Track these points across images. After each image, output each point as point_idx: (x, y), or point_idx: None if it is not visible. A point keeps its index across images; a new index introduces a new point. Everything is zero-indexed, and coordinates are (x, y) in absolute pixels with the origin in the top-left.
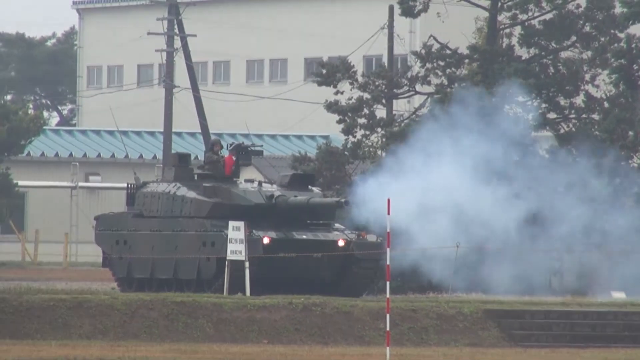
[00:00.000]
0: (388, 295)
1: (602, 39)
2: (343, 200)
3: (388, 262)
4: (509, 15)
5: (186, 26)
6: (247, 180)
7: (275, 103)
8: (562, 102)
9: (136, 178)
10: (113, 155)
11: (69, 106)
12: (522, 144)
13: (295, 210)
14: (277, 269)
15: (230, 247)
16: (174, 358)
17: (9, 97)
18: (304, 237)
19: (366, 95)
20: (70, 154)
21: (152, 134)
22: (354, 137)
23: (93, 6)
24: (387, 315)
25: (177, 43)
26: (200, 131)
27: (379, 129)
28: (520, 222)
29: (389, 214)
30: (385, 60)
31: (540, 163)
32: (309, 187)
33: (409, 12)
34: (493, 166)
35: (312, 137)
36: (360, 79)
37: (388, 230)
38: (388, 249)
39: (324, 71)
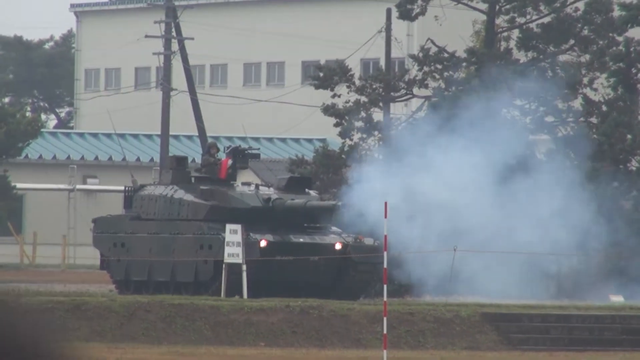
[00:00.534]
0: (385, 298)
1: (601, 42)
2: (340, 203)
3: (385, 265)
4: (506, 19)
5: (184, 29)
6: (244, 183)
7: (273, 106)
8: (560, 105)
9: (134, 181)
10: (110, 158)
11: (67, 109)
12: (519, 148)
13: (292, 214)
14: (274, 272)
15: (228, 250)
16: None
17: (6, 99)
18: (301, 240)
19: (363, 99)
20: (68, 157)
21: (149, 136)
22: (351, 140)
23: (91, 9)
24: (384, 319)
25: (175, 46)
26: (197, 134)
27: (376, 132)
28: (517, 225)
29: (385, 217)
30: (382, 63)
31: (538, 166)
32: (306, 190)
33: (406, 15)
34: (490, 169)
35: (309, 140)
36: (357, 82)
37: (385, 233)
38: (385, 252)
39: (321, 74)
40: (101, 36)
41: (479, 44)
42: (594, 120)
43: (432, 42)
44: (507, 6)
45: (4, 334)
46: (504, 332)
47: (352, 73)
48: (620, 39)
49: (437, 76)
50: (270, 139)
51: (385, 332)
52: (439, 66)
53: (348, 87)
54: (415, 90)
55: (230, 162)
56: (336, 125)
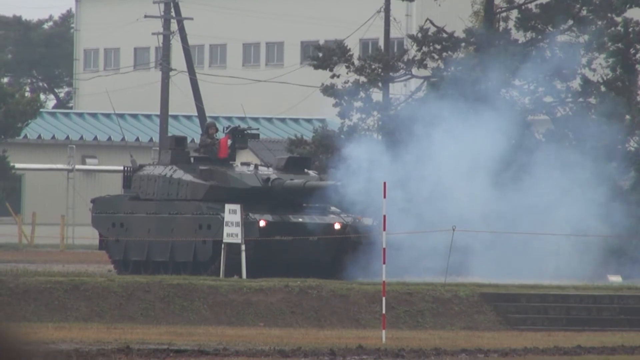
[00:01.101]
0: (384, 278)
1: (599, 22)
2: (339, 183)
3: (384, 245)
4: None
5: (183, 9)
6: (243, 164)
7: (272, 86)
8: (559, 85)
9: (133, 161)
10: (110, 138)
11: (66, 89)
12: (518, 128)
13: (291, 194)
14: (273, 251)
15: (227, 230)
16: (170, 340)
17: (5, 79)
18: (300, 220)
19: (362, 79)
20: (67, 137)
21: (148, 116)
22: (350, 120)
23: None
24: (383, 299)
25: (174, 26)
26: (196, 114)
27: (375, 113)
28: (517, 207)
29: (384, 197)
30: (381, 43)
31: (537, 146)
32: (305, 170)
33: None
34: (489, 150)
35: (309, 121)
36: (356, 62)
37: (384, 213)
38: (384, 232)
39: (320, 54)
40: (100, 16)
41: (477, 24)
42: (592, 100)
43: (431, 22)
44: None
45: None
46: (502, 312)
47: (351, 53)
48: (618, 19)
49: (436, 56)
50: (269, 119)
51: (384, 312)
52: (438, 46)
53: (347, 67)
54: (414, 71)
55: (229, 141)
56: (335, 105)
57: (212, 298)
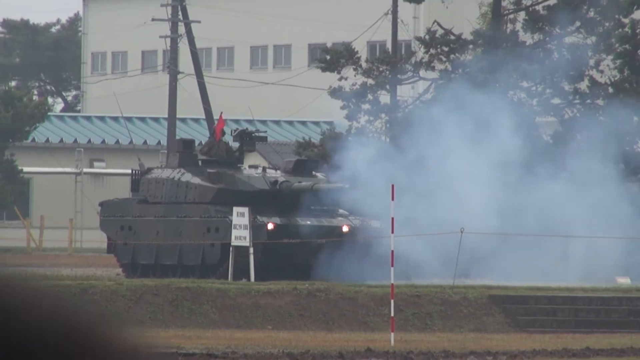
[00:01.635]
0: (392, 281)
1: (607, 24)
2: (347, 185)
3: (392, 248)
4: (513, 1)
5: (190, 12)
6: (251, 166)
7: (279, 89)
8: (567, 87)
9: (140, 164)
10: (117, 142)
11: (74, 92)
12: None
13: (299, 196)
14: (282, 254)
15: (235, 232)
16: (179, 344)
17: (13, 83)
18: (308, 222)
19: (370, 81)
20: (75, 140)
21: (156, 120)
22: (358, 122)
23: None
24: (392, 301)
25: (181, 29)
26: (204, 117)
27: (382, 115)
28: (524, 209)
29: (392, 199)
30: (389, 46)
31: (544, 148)
32: (313, 172)
33: None
34: (496, 152)
35: (316, 123)
36: (364, 64)
37: (392, 215)
38: (392, 235)
39: (328, 57)
40: (108, 19)
41: (485, 26)
42: (600, 102)
43: (439, 24)
44: None
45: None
46: (511, 314)
47: (358, 55)
48: (626, 20)
49: (444, 58)
50: (277, 122)
51: (392, 314)
52: (446, 48)
53: (355, 69)
54: (422, 73)
55: (224, 126)
56: (343, 107)
57: (221, 301)
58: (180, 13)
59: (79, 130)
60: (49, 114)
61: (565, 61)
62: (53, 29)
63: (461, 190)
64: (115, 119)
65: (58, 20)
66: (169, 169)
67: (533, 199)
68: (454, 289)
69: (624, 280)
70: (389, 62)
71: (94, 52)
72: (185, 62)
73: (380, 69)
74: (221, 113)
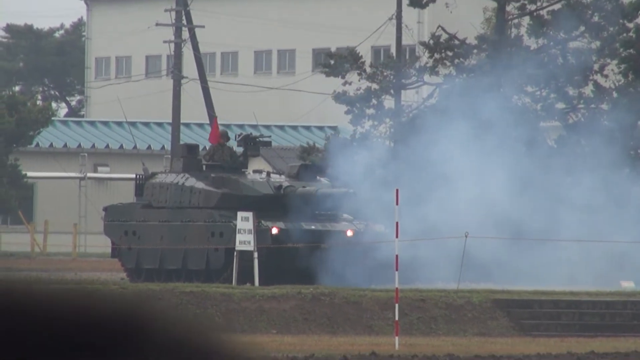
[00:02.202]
0: (397, 285)
1: (611, 28)
2: (351, 190)
3: (397, 252)
4: (517, 6)
5: (194, 17)
6: (255, 171)
7: (284, 94)
8: (571, 92)
9: (144, 169)
10: (121, 146)
11: (77, 97)
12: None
13: (304, 201)
14: (286, 259)
15: (239, 237)
16: None
17: (17, 88)
18: (312, 227)
19: (374, 86)
20: (79, 145)
21: (160, 124)
22: (362, 127)
23: None
24: (396, 305)
25: (185, 34)
26: (208, 122)
27: (387, 120)
28: (528, 213)
29: (397, 204)
30: (393, 50)
31: (549, 153)
32: (318, 177)
33: (417, 2)
34: (500, 157)
35: (321, 128)
36: (368, 69)
37: (396, 220)
38: (396, 239)
39: (332, 62)
40: (111, 24)
41: (489, 31)
42: (604, 107)
43: (443, 29)
44: None
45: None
46: (515, 318)
47: (362, 60)
48: (630, 25)
49: (448, 63)
50: (281, 127)
51: (397, 318)
52: (450, 53)
53: (359, 74)
54: (426, 78)
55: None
56: (347, 112)
57: (225, 306)
58: (184, 18)
59: (83, 135)
60: (52, 118)
61: (569, 66)
62: (57, 34)
63: (465, 194)
64: (119, 123)
65: (62, 25)
66: (173, 173)
67: (536, 203)
68: (459, 293)
69: (628, 284)
70: (393, 66)
71: (98, 57)
72: (189, 67)
73: (385, 73)
74: (215, 118)
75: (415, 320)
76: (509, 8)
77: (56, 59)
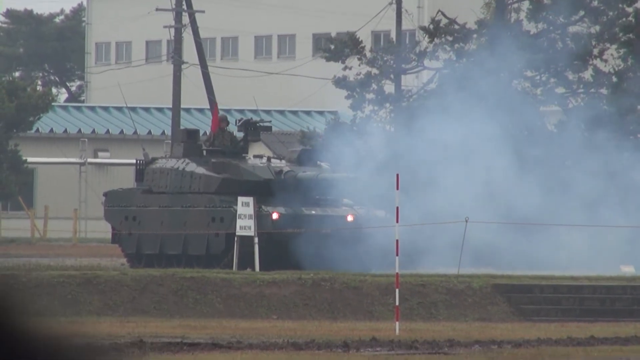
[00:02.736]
0: (397, 270)
1: (610, 13)
2: (352, 175)
3: (397, 237)
4: None
5: (194, 2)
6: (256, 156)
7: (284, 79)
8: (571, 76)
9: (145, 154)
10: (122, 132)
11: (78, 83)
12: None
13: (304, 186)
14: (286, 244)
15: (240, 222)
16: (184, 334)
17: (17, 73)
18: (313, 212)
19: (374, 71)
20: (79, 131)
21: (160, 110)
22: (362, 112)
23: None
24: (397, 290)
25: (186, 19)
26: (208, 107)
27: (387, 105)
28: (529, 198)
29: (397, 189)
30: (393, 35)
31: (549, 137)
32: (318, 162)
33: None
34: (501, 142)
35: (321, 113)
36: (368, 54)
37: (397, 205)
38: (397, 224)
39: (332, 47)
40: (111, 9)
41: (489, 15)
42: (604, 91)
43: (443, 14)
44: None
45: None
46: (515, 303)
47: (363, 45)
48: (630, 9)
49: (448, 48)
50: (281, 112)
51: (397, 304)
52: (450, 38)
53: (359, 59)
54: (426, 62)
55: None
56: (347, 97)
57: (225, 291)
58: (184, 3)
59: (83, 121)
60: (53, 104)
61: (569, 50)
62: (57, 19)
63: (465, 179)
64: (120, 109)
65: (62, 11)
66: (174, 159)
67: (536, 188)
68: (459, 278)
69: (628, 269)
70: (393, 51)
71: (98, 43)
72: (189, 52)
73: (385, 58)
74: (216, 104)
75: (415, 305)
76: None
77: (56, 45)
